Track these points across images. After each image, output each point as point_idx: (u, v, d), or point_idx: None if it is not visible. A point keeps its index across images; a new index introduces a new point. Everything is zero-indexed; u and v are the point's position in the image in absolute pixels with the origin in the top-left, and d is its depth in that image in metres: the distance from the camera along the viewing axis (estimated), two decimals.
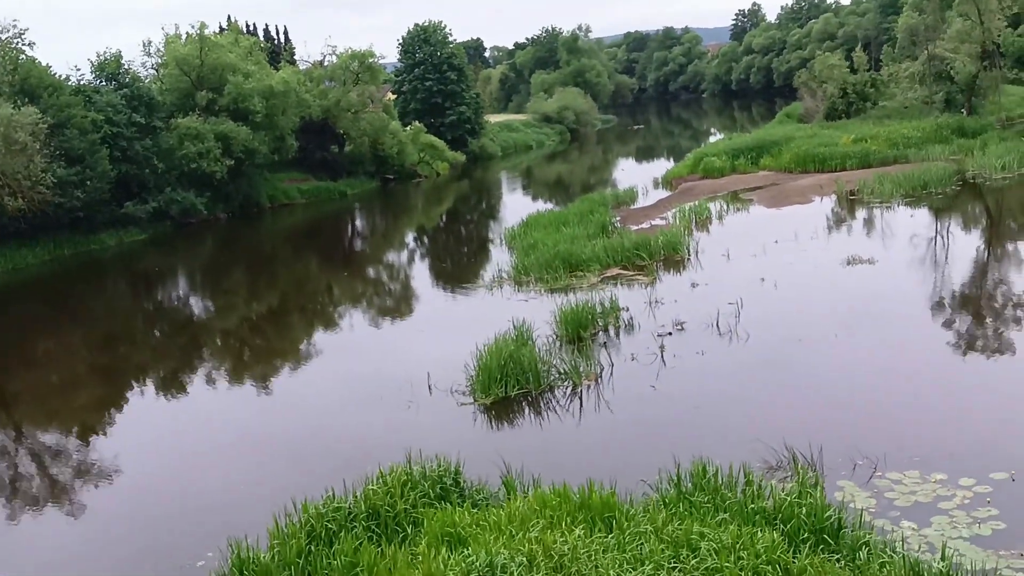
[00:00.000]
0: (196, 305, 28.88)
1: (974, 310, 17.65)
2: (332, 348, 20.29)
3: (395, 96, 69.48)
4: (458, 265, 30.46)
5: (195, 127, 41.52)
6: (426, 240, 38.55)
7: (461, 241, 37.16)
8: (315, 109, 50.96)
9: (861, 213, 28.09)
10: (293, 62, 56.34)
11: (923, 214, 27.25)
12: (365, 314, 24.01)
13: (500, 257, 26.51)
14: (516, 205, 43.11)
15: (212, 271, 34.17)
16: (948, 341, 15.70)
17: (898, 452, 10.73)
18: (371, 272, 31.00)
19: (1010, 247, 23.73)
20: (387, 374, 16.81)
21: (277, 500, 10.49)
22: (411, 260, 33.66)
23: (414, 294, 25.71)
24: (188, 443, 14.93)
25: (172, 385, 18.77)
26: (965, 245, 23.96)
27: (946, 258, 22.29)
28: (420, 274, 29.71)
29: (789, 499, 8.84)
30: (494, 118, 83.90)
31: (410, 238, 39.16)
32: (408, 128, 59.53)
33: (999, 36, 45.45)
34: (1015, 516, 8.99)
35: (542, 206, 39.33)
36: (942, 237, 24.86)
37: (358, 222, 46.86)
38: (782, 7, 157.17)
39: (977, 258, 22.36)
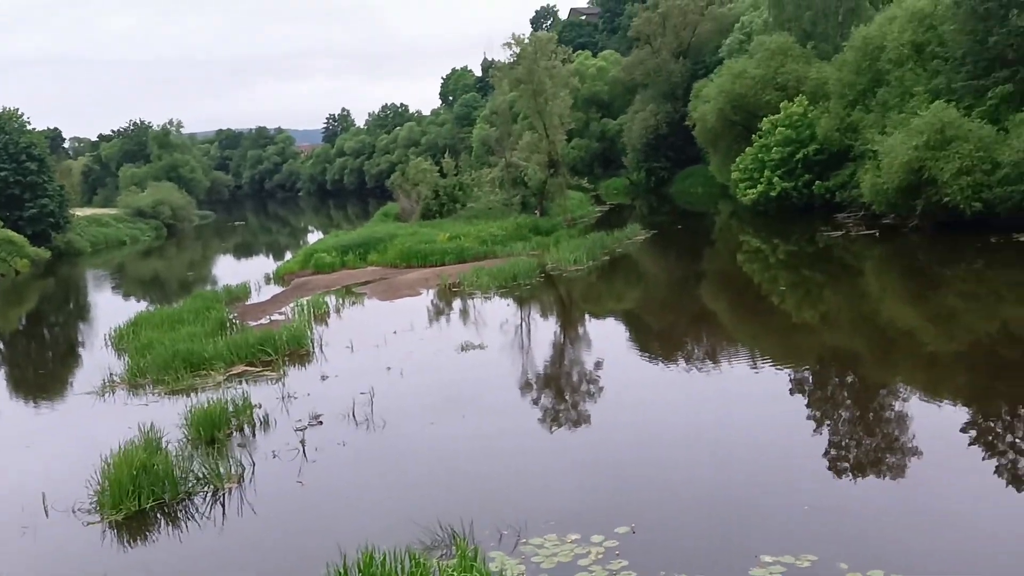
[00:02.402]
0: None
1: (561, 386, 20.35)
2: None
3: None
4: (55, 372, 27.54)
5: None
6: (11, 346, 34.18)
7: (54, 345, 33.63)
8: None
9: (465, 303, 30.78)
10: None
11: (516, 303, 30.62)
12: None
13: (107, 360, 24.63)
14: (113, 304, 40.29)
15: None
16: (552, 415, 17.95)
17: (536, 518, 11.98)
18: None
19: (580, 329, 27.67)
20: None
21: None
22: None
23: (6, 407, 22.66)
24: None
25: None
26: (550, 329, 27.53)
27: (534, 341, 25.30)
28: (9, 385, 26.25)
29: (456, 575, 9.64)
30: (81, 212, 77.56)
31: None
32: None
33: (561, 148, 53.15)
34: (642, 564, 10.52)
35: (143, 305, 37.24)
36: (533, 322, 28.27)
37: None
38: (370, 114, 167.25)
39: (558, 340, 25.69)
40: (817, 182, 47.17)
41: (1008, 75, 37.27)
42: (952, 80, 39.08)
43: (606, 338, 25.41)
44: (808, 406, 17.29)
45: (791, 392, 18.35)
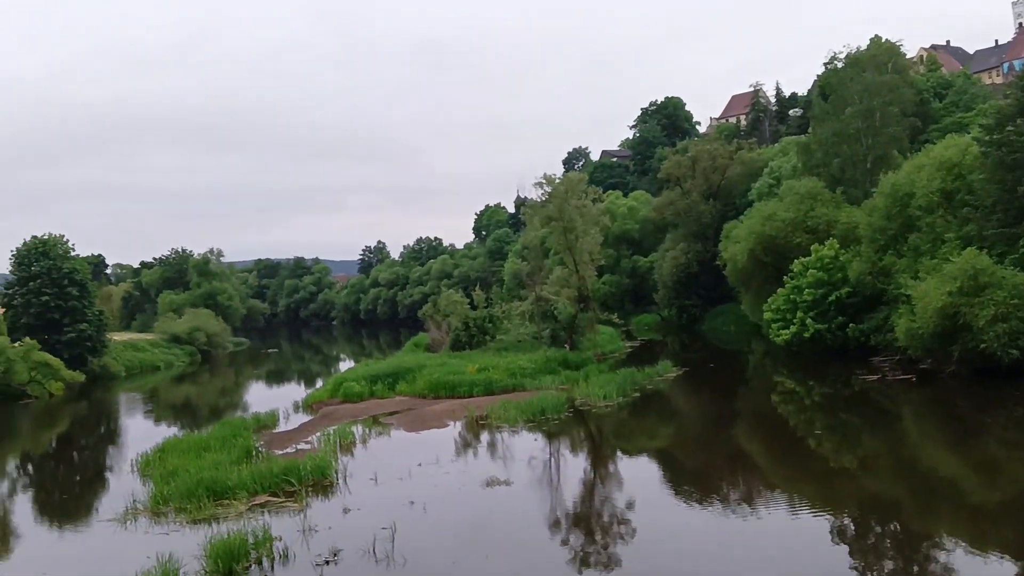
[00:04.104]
0: None
1: (591, 526, 19.73)
2: None
3: (5, 310, 62.86)
4: (81, 496, 27.28)
5: None
6: (39, 469, 34.11)
7: (82, 469, 33.44)
8: None
9: (492, 437, 30.36)
10: None
11: (544, 438, 30.11)
12: None
13: (132, 486, 24.46)
14: (142, 429, 40.24)
15: None
16: (582, 557, 17.35)
17: None
18: None
19: (611, 467, 27.05)
20: None
21: None
22: (21, 492, 29.23)
23: (29, 532, 22.42)
24: None
25: None
26: (579, 466, 26.94)
27: (563, 478, 24.74)
28: (34, 509, 26.01)
29: None
30: (118, 336, 78.81)
31: (24, 467, 34.47)
32: (18, 344, 53.75)
33: (591, 283, 53.55)
34: None
35: (172, 430, 37.20)
36: (561, 458, 27.71)
37: None
38: (404, 247, 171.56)
39: (588, 478, 25.11)
40: (851, 325, 46.82)
41: None
42: (983, 227, 39.23)
43: (638, 477, 24.77)
44: (850, 555, 16.57)
45: (832, 540, 17.62)
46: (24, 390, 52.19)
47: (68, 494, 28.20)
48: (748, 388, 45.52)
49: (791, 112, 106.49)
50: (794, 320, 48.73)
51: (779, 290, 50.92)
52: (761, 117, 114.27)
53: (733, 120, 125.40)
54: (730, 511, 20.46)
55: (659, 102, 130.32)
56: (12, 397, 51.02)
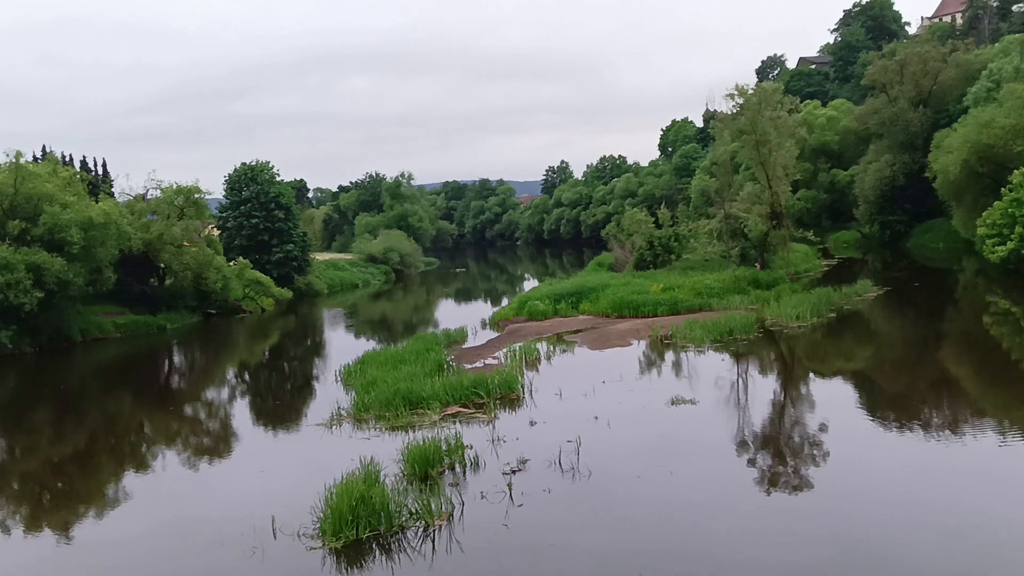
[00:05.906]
0: None
1: (780, 448, 19.16)
2: (162, 491, 19.10)
3: (220, 232, 68.57)
4: (292, 403, 29.69)
5: (3, 256, 39.12)
6: (255, 377, 37.39)
7: (292, 378, 36.34)
8: (136, 242, 49.43)
9: (677, 356, 29.99)
10: (112, 194, 55.04)
11: (731, 358, 29.44)
12: (195, 455, 22.76)
13: (336, 394, 26.25)
14: (344, 342, 43.00)
15: (12, 409, 31.39)
16: (770, 478, 16.95)
17: None
18: (196, 411, 29.60)
19: (803, 389, 26.05)
20: (227, 518, 16.10)
21: None
22: (240, 397, 32.36)
23: (248, 433, 24.76)
24: None
25: None
26: (768, 387, 26.11)
27: (753, 399, 24.07)
28: (251, 413, 28.67)
29: None
30: (320, 256, 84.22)
31: (242, 375, 37.91)
32: (233, 263, 58.67)
33: (785, 199, 51.13)
34: None
35: (371, 344, 39.46)
36: (749, 379, 26.98)
37: (177, 357, 44.83)
38: (588, 166, 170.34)
39: (778, 399, 24.32)
40: None
41: None
42: None
43: (832, 400, 23.73)
44: None
45: None
46: (240, 305, 57.12)
47: (280, 400, 30.73)
48: (957, 309, 42.39)
49: (1015, 8, 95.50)
50: (1012, 236, 44.70)
51: (996, 203, 46.71)
52: (980, 14, 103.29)
53: (947, 19, 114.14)
54: (932, 437, 19.30)
55: (864, 3, 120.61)
56: (229, 312, 55.99)
